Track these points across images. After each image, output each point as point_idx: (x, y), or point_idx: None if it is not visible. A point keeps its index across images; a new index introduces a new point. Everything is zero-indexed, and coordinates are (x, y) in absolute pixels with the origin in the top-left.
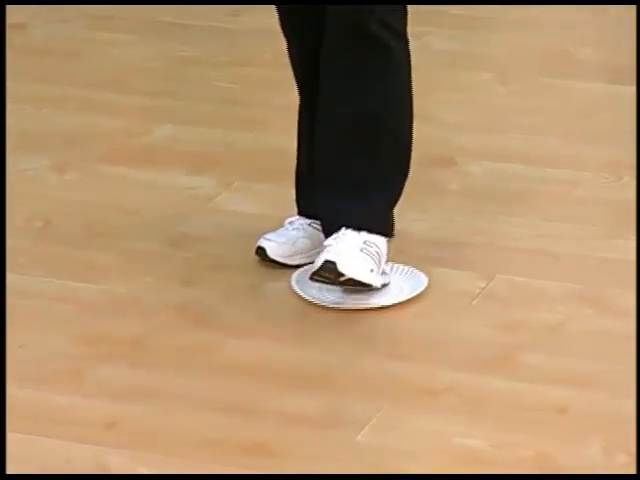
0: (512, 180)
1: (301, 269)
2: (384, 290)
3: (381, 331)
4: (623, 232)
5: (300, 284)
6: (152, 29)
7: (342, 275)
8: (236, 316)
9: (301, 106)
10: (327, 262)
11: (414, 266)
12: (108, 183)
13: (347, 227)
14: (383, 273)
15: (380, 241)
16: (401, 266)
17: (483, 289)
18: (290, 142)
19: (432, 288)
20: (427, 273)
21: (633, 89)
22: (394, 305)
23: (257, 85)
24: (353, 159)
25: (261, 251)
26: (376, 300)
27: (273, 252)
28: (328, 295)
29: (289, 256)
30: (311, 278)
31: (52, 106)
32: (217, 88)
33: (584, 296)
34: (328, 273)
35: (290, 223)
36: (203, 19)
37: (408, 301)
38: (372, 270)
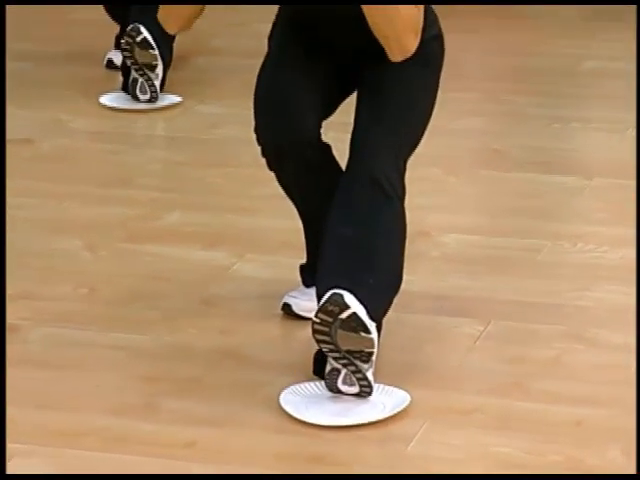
0: (482, 248)
1: (288, 389)
2: (367, 407)
3: (402, 367)
4: (589, 286)
5: (285, 399)
6: (144, 141)
7: (347, 308)
8: (276, 358)
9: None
10: (335, 294)
11: (418, 316)
12: (136, 258)
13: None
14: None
15: (373, 326)
16: (381, 385)
17: (482, 332)
18: (281, 223)
19: (439, 333)
20: (430, 321)
21: (557, 177)
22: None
23: (242, 181)
24: (354, 272)
25: (287, 307)
26: (360, 417)
27: (298, 307)
28: (313, 411)
29: (311, 311)
30: (315, 316)
31: (71, 200)
32: (209, 184)
33: (571, 335)
34: (333, 306)
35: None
36: (187, 132)
37: (421, 342)
38: (372, 326)
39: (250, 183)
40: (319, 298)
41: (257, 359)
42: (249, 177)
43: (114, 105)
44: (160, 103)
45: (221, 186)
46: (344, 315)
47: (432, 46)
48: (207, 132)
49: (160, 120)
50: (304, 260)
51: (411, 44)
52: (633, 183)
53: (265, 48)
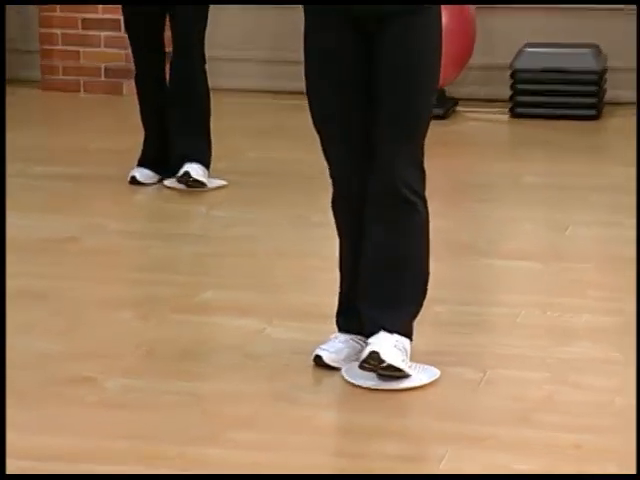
0: (468, 315)
1: (348, 365)
2: (408, 380)
3: (424, 407)
4: (564, 342)
5: (349, 374)
6: (170, 238)
7: (383, 362)
8: (316, 398)
9: (344, 248)
10: (373, 352)
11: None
12: (182, 325)
13: (384, 330)
14: (409, 367)
15: (406, 342)
16: (417, 364)
17: (483, 378)
18: (302, 297)
19: (444, 379)
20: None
21: (519, 262)
22: (420, 386)
23: (261, 267)
24: (388, 286)
25: (318, 358)
26: (405, 384)
27: (328, 358)
28: (369, 381)
29: (338, 361)
30: (360, 366)
31: (118, 283)
32: (234, 270)
33: (557, 380)
34: (373, 360)
35: (335, 338)
36: (205, 230)
37: (435, 386)
38: (403, 360)
39: (269, 269)
40: (365, 325)
41: (300, 400)
42: (267, 264)
43: (174, 186)
44: (210, 186)
45: (244, 271)
46: (383, 365)
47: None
48: (223, 231)
49: (181, 222)
50: (327, 325)
51: None
52: (580, 266)
53: (256, 169)
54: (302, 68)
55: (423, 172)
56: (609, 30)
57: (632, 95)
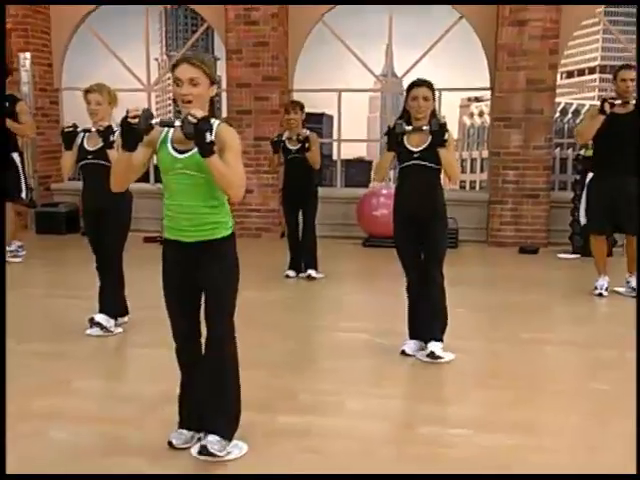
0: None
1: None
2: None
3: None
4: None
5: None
6: (315, 298)
7: (434, 352)
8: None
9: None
10: (431, 351)
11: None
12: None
13: (434, 339)
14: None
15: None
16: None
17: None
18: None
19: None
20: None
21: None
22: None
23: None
24: (435, 327)
25: (403, 351)
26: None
27: (409, 350)
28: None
29: (415, 351)
30: (427, 355)
31: (288, 315)
32: (350, 309)
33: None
34: (430, 350)
35: (410, 341)
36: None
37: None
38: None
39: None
40: (425, 341)
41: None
42: (368, 308)
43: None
44: (318, 277)
45: (357, 311)
46: (435, 355)
47: (445, 215)
48: (338, 291)
49: (313, 285)
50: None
51: (459, 178)
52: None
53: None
54: None
55: (443, 274)
56: (460, 211)
57: (467, 237)
